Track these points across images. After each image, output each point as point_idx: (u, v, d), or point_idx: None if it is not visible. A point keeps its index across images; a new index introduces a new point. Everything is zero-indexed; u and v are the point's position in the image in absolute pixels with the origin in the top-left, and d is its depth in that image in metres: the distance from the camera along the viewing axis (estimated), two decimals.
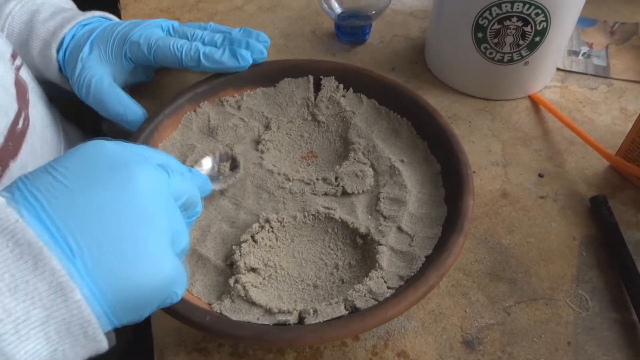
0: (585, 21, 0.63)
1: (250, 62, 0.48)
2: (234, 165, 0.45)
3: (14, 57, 0.44)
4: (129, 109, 0.47)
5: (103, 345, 0.25)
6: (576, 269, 0.42)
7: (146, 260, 0.26)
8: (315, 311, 0.35)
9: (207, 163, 0.45)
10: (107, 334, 0.26)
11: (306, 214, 0.42)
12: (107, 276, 0.25)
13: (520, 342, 0.38)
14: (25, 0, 0.50)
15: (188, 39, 0.50)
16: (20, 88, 0.43)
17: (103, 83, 0.47)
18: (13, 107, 0.41)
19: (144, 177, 0.27)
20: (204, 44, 0.49)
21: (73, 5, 0.56)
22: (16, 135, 0.41)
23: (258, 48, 0.49)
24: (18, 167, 0.40)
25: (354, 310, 0.35)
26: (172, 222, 0.29)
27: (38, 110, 0.46)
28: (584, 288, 0.40)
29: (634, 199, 0.46)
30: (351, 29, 0.61)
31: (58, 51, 0.49)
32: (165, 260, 0.27)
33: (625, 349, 0.37)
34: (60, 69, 0.50)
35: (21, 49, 0.49)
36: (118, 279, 0.25)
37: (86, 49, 0.48)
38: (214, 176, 0.44)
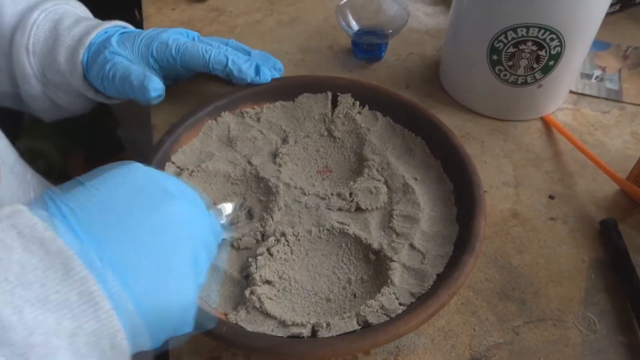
0: (598, 44, 0.64)
1: (269, 80, 0.51)
2: (250, 216, 0.45)
3: None
4: (150, 78, 0.47)
5: (126, 357, 0.25)
6: (584, 291, 0.42)
7: (176, 281, 0.27)
8: (328, 325, 0.36)
9: (228, 209, 0.43)
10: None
11: (321, 228, 0.43)
12: (137, 291, 0.25)
13: None
14: (48, 10, 0.52)
15: (213, 47, 0.52)
16: None
17: (131, 65, 0.49)
18: None
19: (182, 205, 0.28)
20: (229, 52, 0.51)
21: (91, 17, 0.58)
22: None
23: (278, 67, 0.53)
24: None
25: (366, 325, 0.36)
26: (198, 252, 0.29)
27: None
28: (592, 310, 0.41)
29: None
30: (368, 46, 0.62)
31: (83, 56, 0.51)
32: (191, 285, 0.28)
33: None
34: (84, 75, 0.51)
35: (47, 57, 0.51)
36: (147, 295, 0.25)
37: (114, 42, 0.50)
38: (227, 224, 0.43)
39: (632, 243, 0.45)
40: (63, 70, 0.51)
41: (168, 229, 0.27)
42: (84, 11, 0.57)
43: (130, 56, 0.51)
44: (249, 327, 0.36)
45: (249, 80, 0.50)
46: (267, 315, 0.37)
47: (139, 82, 0.47)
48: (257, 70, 0.51)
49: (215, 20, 0.69)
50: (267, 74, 0.51)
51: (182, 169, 0.46)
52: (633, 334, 0.40)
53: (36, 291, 0.22)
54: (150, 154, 0.45)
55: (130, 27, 0.56)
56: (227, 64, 0.50)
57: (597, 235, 0.46)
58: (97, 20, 0.54)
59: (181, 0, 0.72)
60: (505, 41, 0.49)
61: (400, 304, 0.37)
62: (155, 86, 0.48)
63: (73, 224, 0.25)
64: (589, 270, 0.44)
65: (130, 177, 0.28)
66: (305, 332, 0.36)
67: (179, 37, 0.52)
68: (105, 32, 0.52)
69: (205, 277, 0.31)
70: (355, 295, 0.40)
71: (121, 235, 0.26)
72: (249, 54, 0.54)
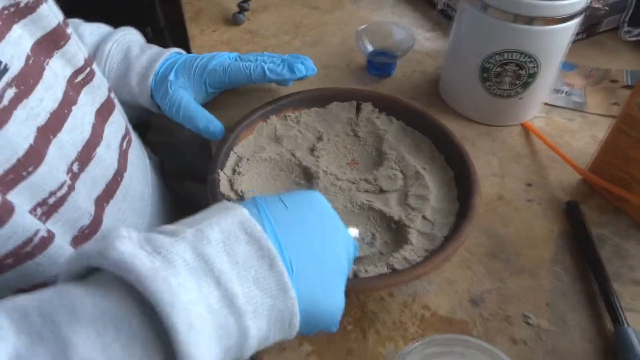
0: (567, 66, 0.78)
1: (304, 73, 0.62)
2: (372, 242, 0.53)
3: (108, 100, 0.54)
4: (212, 122, 0.60)
5: (293, 335, 0.34)
6: (553, 253, 0.55)
7: (334, 291, 0.36)
8: (366, 271, 0.48)
9: (354, 232, 0.53)
10: None
11: (353, 204, 0.55)
12: (305, 293, 0.33)
13: (512, 302, 0.51)
14: (119, 41, 0.63)
15: (252, 61, 0.64)
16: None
17: (191, 103, 0.61)
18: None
19: (343, 235, 0.39)
20: (265, 63, 0.63)
21: (142, 38, 0.69)
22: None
23: (311, 66, 0.64)
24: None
25: (394, 271, 0.49)
26: (346, 270, 0.39)
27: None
28: (559, 266, 0.54)
29: (598, 204, 0.60)
30: (380, 65, 0.75)
31: (151, 81, 0.62)
32: (342, 296, 0.37)
33: (587, 309, 0.51)
34: (151, 95, 0.63)
35: (120, 80, 0.62)
36: (310, 298, 0.34)
37: (172, 77, 0.61)
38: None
39: (590, 219, 0.58)
40: (134, 92, 0.62)
41: (335, 248, 0.37)
42: (141, 39, 0.68)
43: (187, 85, 0.62)
44: None
45: (288, 77, 0.62)
46: None
47: (203, 126, 0.59)
48: (291, 69, 0.62)
49: (250, 41, 0.82)
50: (302, 69, 0.62)
51: (241, 157, 0.59)
52: (588, 282, 0.53)
53: (252, 274, 0.31)
54: (218, 146, 0.57)
55: (183, 53, 0.67)
56: (265, 74, 0.61)
57: (563, 213, 0.59)
58: (157, 48, 0.65)
59: (220, 23, 0.85)
60: (494, 62, 0.62)
61: (418, 256, 0.50)
62: (213, 130, 0.59)
63: (276, 232, 0.34)
64: (557, 238, 0.57)
65: (313, 202, 0.38)
66: (350, 275, 0.48)
67: (223, 61, 0.62)
68: (167, 59, 0.64)
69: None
70: (382, 254, 0.52)
71: (302, 246, 0.34)
72: (281, 59, 0.64)
